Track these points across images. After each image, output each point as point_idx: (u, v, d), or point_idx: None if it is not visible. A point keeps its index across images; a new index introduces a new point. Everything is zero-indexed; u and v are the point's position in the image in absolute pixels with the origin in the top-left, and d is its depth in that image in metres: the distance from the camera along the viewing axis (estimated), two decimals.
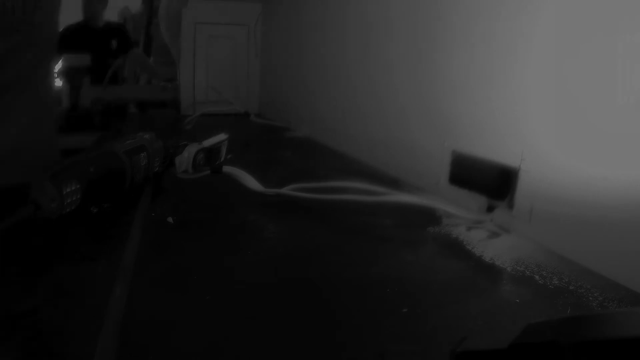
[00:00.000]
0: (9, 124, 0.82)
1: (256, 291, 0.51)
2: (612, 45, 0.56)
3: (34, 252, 0.58)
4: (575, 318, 0.28)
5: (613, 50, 0.56)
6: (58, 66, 2.03)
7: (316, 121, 1.48)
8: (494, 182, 0.74)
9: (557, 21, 0.64)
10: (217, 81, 2.05)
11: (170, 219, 0.70)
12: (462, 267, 0.58)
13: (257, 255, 0.60)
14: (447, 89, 0.86)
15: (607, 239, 0.56)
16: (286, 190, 0.81)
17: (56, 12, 0.87)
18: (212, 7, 2.01)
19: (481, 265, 0.59)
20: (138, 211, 0.73)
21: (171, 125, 1.81)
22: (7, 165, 0.80)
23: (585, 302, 0.50)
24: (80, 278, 0.53)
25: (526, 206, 0.67)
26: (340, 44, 1.32)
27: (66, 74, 1.88)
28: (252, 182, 0.85)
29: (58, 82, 1.88)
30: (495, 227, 0.71)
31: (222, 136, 1.15)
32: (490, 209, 0.74)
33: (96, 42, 2.60)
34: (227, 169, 0.92)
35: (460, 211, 0.74)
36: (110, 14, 3.00)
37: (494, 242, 0.66)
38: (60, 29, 2.76)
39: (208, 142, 0.90)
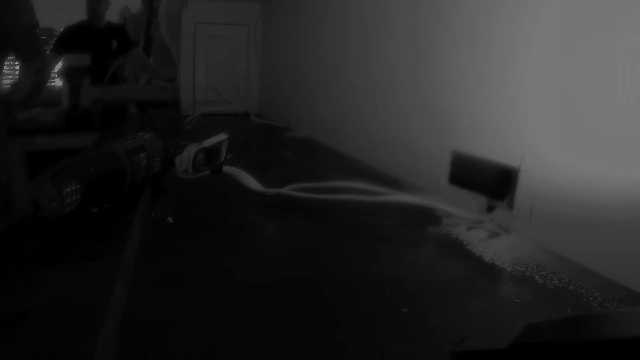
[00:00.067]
0: None
1: (256, 291, 0.51)
2: (612, 45, 0.56)
3: (34, 252, 0.58)
4: (575, 318, 0.28)
5: (613, 50, 0.56)
6: (58, 66, 2.03)
7: (316, 121, 1.48)
8: (494, 182, 0.74)
9: (558, 21, 0.64)
10: (217, 81, 2.05)
11: (170, 219, 0.70)
12: (462, 267, 0.58)
13: (257, 255, 0.60)
14: (447, 89, 0.86)
15: (607, 239, 0.56)
16: (286, 190, 0.81)
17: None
18: (212, 7, 2.01)
19: (481, 265, 0.59)
20: (138, 211, 0.73)
21: (171, 125, 1.81)
22: None
23: (585, 302, 0.50)
24: (80, 278, 0.53)
25: (526, 206, 0.67)
26: (340, 44, 1.32)
27: (66, 74, 1.88)
28: (252, 182, 0.85)
29: (58, 82, 1.88)
30: (495, 227, 0.71)
31: (222, 136, 1.14)
32: (490, 209, 0.74)
33: (96, 42, 2.60)
34: (227, 168, 0.91)
35: (460, 211, 0.74)
36: (110, 14, 2.99)
37: (494, 242, 0.66)
38: (61, 29, 2.76)
39: (208, 142, 0.90)
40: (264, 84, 2.12)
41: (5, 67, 1.47)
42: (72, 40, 2.58)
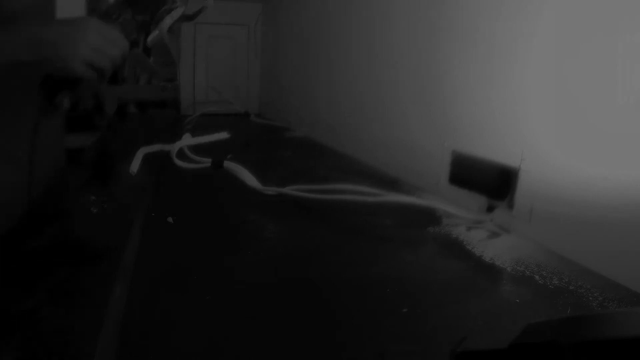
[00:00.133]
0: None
1: (256, 291, 0.51)
2: (612, 45, 0.56)
3: (34, 253, 0.58)
4: (575, 318, 0.28)
5: (613, 50, 0.56)
6: None
7: (316, 121, 1.48)
8: (494, 182, 0.74)
9: (558, 21, 0.64)
10: (217, 81, 2.05)
11: (170, 219, 0.70)
12: (462, 267, 0.58)
13: (257, 255, 0.60)
14: (447, 89, 0.86)
15: (607, 239, 0.56)
16: (287, 190, 0.81)
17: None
18: (212, 7, 2.01)
19: (481, 265, 0.59)
20: (138, 211, 0.73)
21: (171, 125, 1.81)
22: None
23: (585, 302, 0.50)
24: (80, 278, 0.53)
25: (526, 206, 0.67)
26: (340, 44, 1.32)
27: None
28: (251, 180, 0.85)
29: None
30: (495, 227, 0.71)
31: (223, 134, 1.15)
32: (490, 209, 0.74)
33: None
34: (227, 164, 0.92)
35: (460, 211, 0.74)
36: None
37: (494, 242, 0.66)
38: None
39: (205, 139, 0.91)
40: (264, 84, 2.12)
41: None
42: None
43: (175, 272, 0.54)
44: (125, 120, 2.04)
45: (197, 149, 1.15)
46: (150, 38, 0.83)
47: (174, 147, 1.12)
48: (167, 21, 0.83)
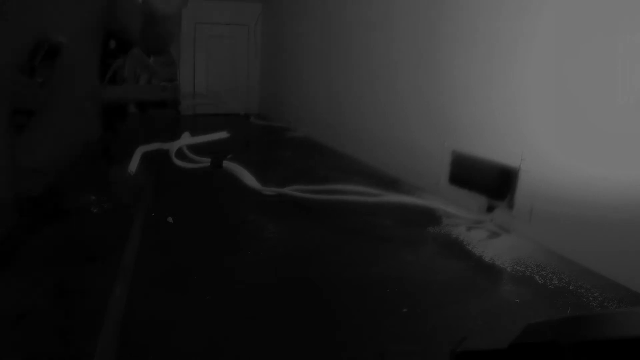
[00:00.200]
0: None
1: (256, 291, 0.51)
2: (612, 45, 0.56)
3: (34, 253, 0.58)
4: (575, 318, 0.28)
5: (613, 50, 0.56)
6: None
7: (316, 121, 1.48)
8: (494, 182, 0.74)
9: (558, 21, 0.64)
10: (217, 81, 2.05)
11: (170, 219, 0.70)
12: (462, 267, 0.58)
13: (257, 255, 0.60)
14: (448, 89, 0.86)
15: (607, 239, 0.56)
16: (286, 190, 0.81)
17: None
18: (212, 7, 2.01)
19: (481, 265, 0.59)
20: (138, 211, 0.73)
21: (171, 125, 1.81)
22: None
23: (585, 302, 0.50)
24: (80, 278, 0.53)
25: (526, 206, 0.67)
26: (340, 44, 1.32)
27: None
28: (250, 180, 0.85)
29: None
30: (495, 227, 0.71)
31: (222, 134, 1.15)
32: (490, 209, 0.74)
33: None
34: (227, 164, 0.92)
35: (460, 211, 0.74)
36: None
37: (494, 242, 0.66)
38: None
39: (204, 139, 0.91)
40: (264, 84, 2.12)
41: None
42: None
43: (175, 272, 0.54)
44: (125, 120, 2.03)
45: (196, 148, 1.15)
46: None
47: (173, 146, 1.12)
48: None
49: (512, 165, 0.70)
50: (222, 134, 1.37)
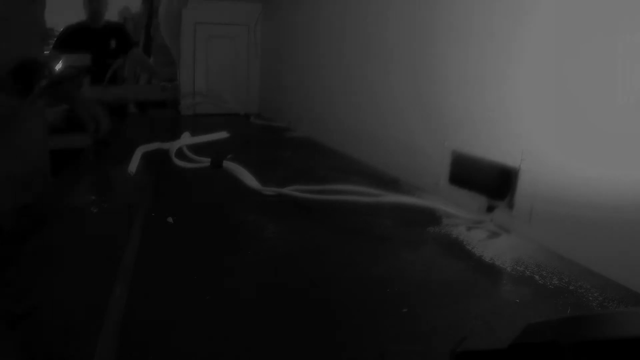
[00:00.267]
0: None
1: (256, 291, 0.51)
2: (612, 45, 0.56)
3: (33, 253, 0.58)
4: (575, 318, 0.28)
5: (613, 50, 0.56)
6: (58, 66, 2.03)
7: (316, 121, 1.48)
8: (494, 182, 0.74)
9: (557, 21, 0.64)
10: (217, 81, 2.05)
11: (170, 219, 0.70)
12: (462, 267, 0.58)
13: (257, 255, 0.60)
14: (447, 88, 0.86)
15: (607, 239, 0.56)
16: (286, 190, 0.81)
17: None
18: (212, 7, 2.01)
19: (481, 265, 0.59)
20: (138, 211, 0.73)
21: (171, 125, 1.81)
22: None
23: (585, 302, 0.50)
24: (80, 278, 0.53)
25: (526, 206, 0.67)
26: (340, 44, 1.32)
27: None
28: (250, 180, 0.85)
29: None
30: (495, 227, 0.71)
31: (222, 134, 1.15)
32: (490, 209, 0.74)
33: (96, 42, 2.60)
34: (227, 164, 0.92)
35: (460, 211, 0.74)
36: (110, 14, 2.99)
37: (494, 242, 0.66)
38: (61, 29, 2.76)
39: (204, 139, 0.92)
40: (264, 83, 2.12)
41: None
42: (71, 40, 2.58)
43: (175, 272, 0.54)
44: (125, 120, 2.04)
45: (196, 148, 1.15)
46: None
47: (173, 146, 1.12)
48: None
49: (512, 165, 0.70)
50: (222, 134, 1.37)
